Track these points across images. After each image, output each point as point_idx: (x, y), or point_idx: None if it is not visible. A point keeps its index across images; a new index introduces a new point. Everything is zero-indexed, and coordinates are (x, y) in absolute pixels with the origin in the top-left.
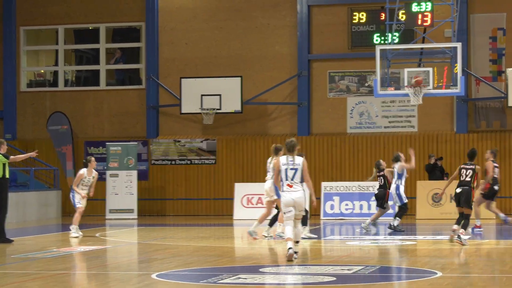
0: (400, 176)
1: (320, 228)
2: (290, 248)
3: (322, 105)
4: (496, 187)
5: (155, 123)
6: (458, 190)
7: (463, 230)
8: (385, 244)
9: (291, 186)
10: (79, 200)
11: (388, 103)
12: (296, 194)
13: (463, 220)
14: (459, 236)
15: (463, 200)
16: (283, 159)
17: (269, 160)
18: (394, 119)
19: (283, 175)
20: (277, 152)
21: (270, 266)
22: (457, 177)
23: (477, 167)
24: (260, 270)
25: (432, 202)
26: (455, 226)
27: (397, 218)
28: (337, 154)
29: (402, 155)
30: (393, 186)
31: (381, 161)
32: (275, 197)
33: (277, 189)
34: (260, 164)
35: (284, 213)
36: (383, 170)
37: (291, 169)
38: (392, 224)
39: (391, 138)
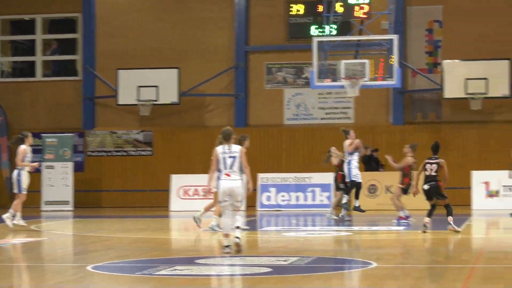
0: (350, 154)
1: (256, 219)
2: (227, 246)
3: (259, 96)
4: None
5: (91, 115)
6: (426, 187)
7: (450, 217)
8: (322, 235)
9: (229, 175)
10: (26, 187)
11: (324, 94)
12: (234, 183)
13: (446, 209)
14: (450, 224)
15: (434, 195)
16: (220, 148)
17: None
18: (330, 110)
19: (221, 164)
20: (241, 142)
21: (206, 258)
22: (422, 172)
23: (442, 160)
24: (196, 261)
25: (368, 193)
26: (427, 219)
27: (345, 195)
28: (274, 145)
29: (352, 132)
30: (345, 163)
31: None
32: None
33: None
34: (197, 155)
35: (220, 202)
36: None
37: (230, 157)
38: (343, 205)
39: (328, 130)
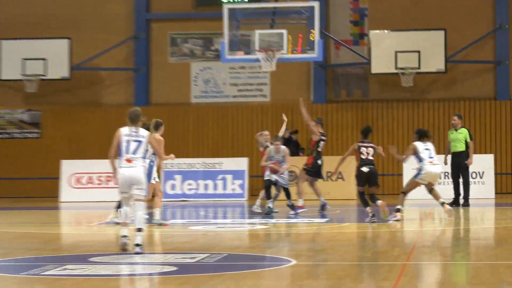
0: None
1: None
2: (124, 236)
3: (162, 71)
4: (319, 161)
5: None
6: (365, 169)
7: (382, 203)
8: (234, 228)
9: (130, 161)
10: None
11: (237, 69)
12: (135, 171)
13: (371, 196)
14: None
15: (373, 180)
16: (125, 130)
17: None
18: (244, 87)
19: (123, 148)
20: (157, 127)
21: (102, 255)
22: (355, 156)
23: (374, 145)
24: (90, 259)
25: None
26: (369, 209)
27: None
28: (180, 127)
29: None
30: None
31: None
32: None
33: (151, 170)
34: (92, 138)
35: (120, 193)
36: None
37: (135, 141)
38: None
39: (241, 109)
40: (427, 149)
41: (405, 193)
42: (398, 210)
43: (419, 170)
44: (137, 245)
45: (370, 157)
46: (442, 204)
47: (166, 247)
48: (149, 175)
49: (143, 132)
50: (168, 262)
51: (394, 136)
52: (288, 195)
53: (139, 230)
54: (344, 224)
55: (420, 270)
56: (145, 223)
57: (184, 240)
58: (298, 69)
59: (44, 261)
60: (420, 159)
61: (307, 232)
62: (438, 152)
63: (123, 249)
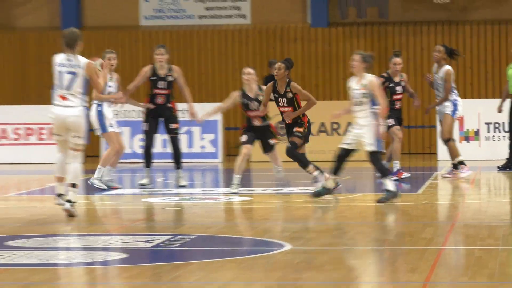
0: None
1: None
2: (59, 195)
3: None
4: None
5: None
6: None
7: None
8: (204, 200)
9: (64, 99)
10: None
11: None
12: (70, 111)
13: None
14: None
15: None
16: (60, 57)
17: None
18: (214, 4)
19: (56, 82)
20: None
21: (24, 238)
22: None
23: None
24: (8, 243)
25: None
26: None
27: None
28: (126, 58)
29: None
30: None
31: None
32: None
33: (101, 115)
34: (5, 73)
35: (54, 135)
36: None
37: (69, 73)
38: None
39: (210, 35)
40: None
41: (450, 140)
42: (461, 163)
43: (454, 104)
44: (69, 201)
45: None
46: (456, 165)
47: (113, 227)
48: (100, 121)
49: (80, 60)
50: (115, 247)
51: (423, 70)
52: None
53: (73, 186)
54: (356, 194)
55: (461, 258)
56: (80, 178)
57: (136, 217)
58: None
59: None
60: (453, 90)
61: (305, 206)
62: (487, 95)
63: (67, 212)
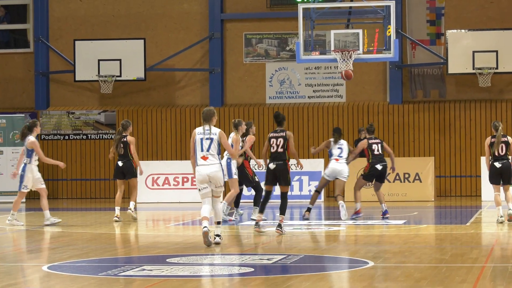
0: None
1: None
2: (205, 227)
3: (237, 71)
4: (379, 166)
5: (45, 92)
6: (272, 165)
7: (283, 216)
8: (310, 230)
9: (205, 159)
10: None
11: (312, 69)
12: (211, 168)
13: (281, 200)
14: (280, 226)
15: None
16: (199, 129)
17: (231, 135)
18: (319, 87)
19: (197, 147)
20: (236, 127)
21: (179, 256)
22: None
23: (288, 133)
24: (168, 260)
25: None
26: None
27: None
28: (255, 127)
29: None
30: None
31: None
32: (227, 177)
33: (230, 167)
34: (167, 139)
35: (199, 190)
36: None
37: (207, 139)
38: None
39: (316, 109)
40: None
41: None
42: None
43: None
44: (217, 235)
45: (280, 150)
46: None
47: (244, 249)
48: (229, 170)
49: (214, 130)
50: (245, 263)
51: (471, 137)
52: None
53: (218, 223)
54: (422, 226)
55: (499, 272)
56: (221, 216)
57: (261, 241)
58: (375, 69)
59: (121, 261)
60: None
61: (384, 234)
62: None
63: (206, 241)
